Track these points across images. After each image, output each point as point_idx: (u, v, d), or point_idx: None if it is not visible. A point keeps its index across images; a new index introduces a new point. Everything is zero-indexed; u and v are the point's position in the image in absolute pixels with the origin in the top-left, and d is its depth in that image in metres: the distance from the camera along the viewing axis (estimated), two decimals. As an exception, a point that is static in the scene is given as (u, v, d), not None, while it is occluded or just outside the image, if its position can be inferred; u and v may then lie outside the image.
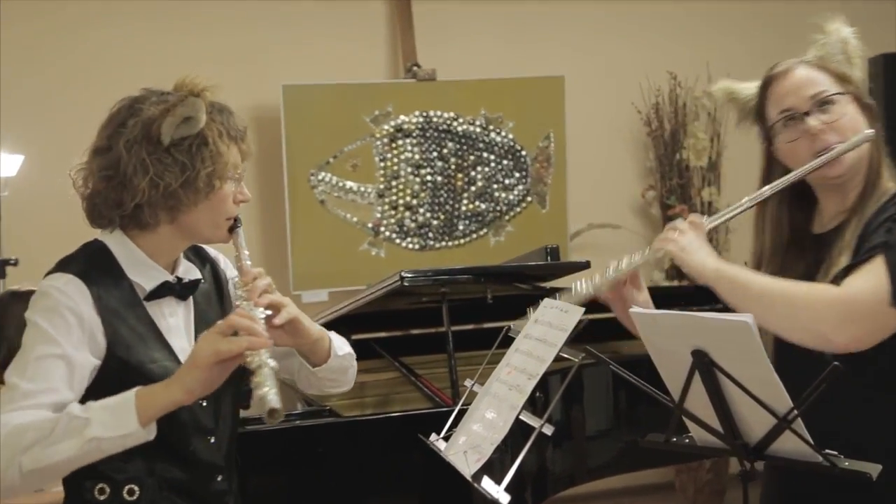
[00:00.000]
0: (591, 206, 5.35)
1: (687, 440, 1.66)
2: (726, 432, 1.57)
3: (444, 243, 5.11)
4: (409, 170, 5.06)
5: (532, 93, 5.16)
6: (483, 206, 5.15)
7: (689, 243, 1.80)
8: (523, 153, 5.21)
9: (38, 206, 4.66)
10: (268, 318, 1.65)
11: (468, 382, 1.99)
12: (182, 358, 1.68)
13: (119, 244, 1.70)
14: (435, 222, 5.09)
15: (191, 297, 1.76)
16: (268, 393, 1.51)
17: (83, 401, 1.59)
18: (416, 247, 5.08)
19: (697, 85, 5.43)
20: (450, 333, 2.85)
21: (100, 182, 1.67)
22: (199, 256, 1.85)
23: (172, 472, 1.69)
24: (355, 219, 5.00)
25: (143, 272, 1.70)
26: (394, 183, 5.04)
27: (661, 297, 3.63)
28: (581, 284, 1.91)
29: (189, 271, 1.78)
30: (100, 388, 1.61)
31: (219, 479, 1.76)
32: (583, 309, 1.75)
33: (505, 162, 5.18)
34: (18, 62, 4.72)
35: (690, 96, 5.43)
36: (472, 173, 5.14)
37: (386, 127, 5.03)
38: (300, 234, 4.86)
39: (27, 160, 4.37)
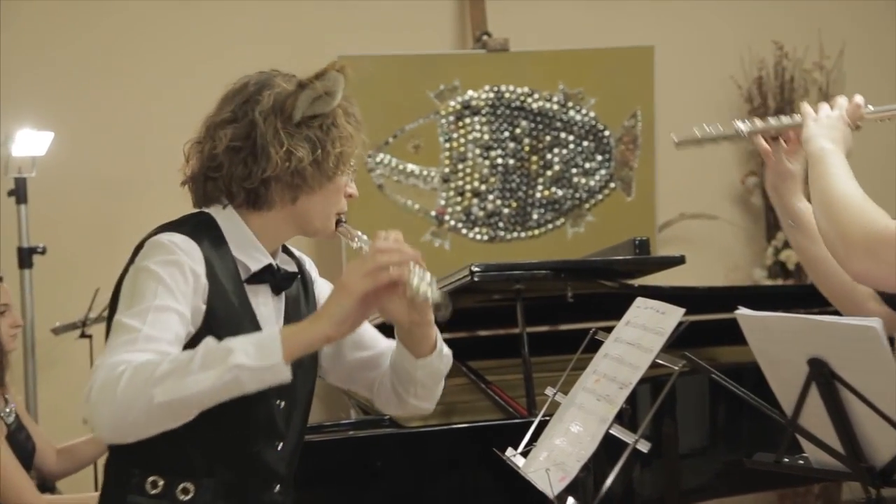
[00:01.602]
0: (682, 193, 5.29)
1: (801, 461, 1.63)
2: (848, 453, 1.54)
3: (515, 234, 5.10)
4: (478, 151, 5.06)
5: (617, 65, 5.11)
6: (560, 192, 5.13)
7: (826, 118, 1.89)
8: (606, 133, 5.17)
9: (69, 189, 4.75)
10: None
11: (549, 391, 1.99)
12: None
13: (229, 220, 1.78)
14: (506, 210, 5.08)
15: (283, 293, 1.84)
16: (428, 287, 1.58)
17: None
18: (485, 238, 5.08)
19: (807, 56, 5.33)
20: (525, 335, 2.86)
21: (226, 154, 1.75)
22: (288, 254, 1.92)
23: (231, 476, 1.73)
24: (417, 206, 5.01)
25: (249, 253, 1.77)
26: (460, 166, 5.05)
27: (767, 298, 3.60)
28: (715, 127, 1.97)
29: (286, 263, 1.86)
30: None
31: (276, 489, 1.80)
32: (682, 310, 1.73)
33: (585, 143, 5.14)
34: (46, 32, 4.81)
35: (799, 69, 5.33)
36: (549, 156, 5.11)
37: (452, 103, 5.03)
38: (356, 221, 4.83)
39: (57, 137, 4.46)
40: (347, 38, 5.01)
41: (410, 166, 5.01)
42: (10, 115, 4.54)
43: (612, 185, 5.19)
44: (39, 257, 4.37)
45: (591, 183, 5.17)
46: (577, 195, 5.15)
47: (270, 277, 1.79)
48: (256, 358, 1.53)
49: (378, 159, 4.96)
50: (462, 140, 5.05)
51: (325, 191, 1.78)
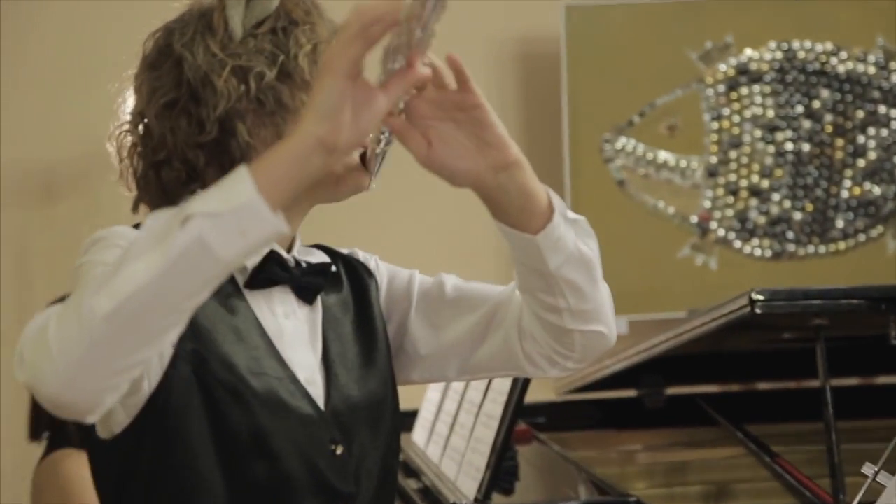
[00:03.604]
0: None
1: None
2: None
3: (812, 248, 5.00)
4: (759, 134, 4.98)
5: (963, 9, 4.95)
6: (878, 190, 4.99)
7: None
8: (946, 107, 5.01)
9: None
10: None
11: (867, 469, 1.92)
12: (303, 375, 1.69)
13: None
14: (798, 215, 4.99)
15: (319, 301, 1.77)
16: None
17: (129, 454, 1.61)
18: (768, 253, 4.99)
19: None
20: (828, 390, 2.79)
21: (160, 120, 1.69)
22: (330, 253, 1.86)
23: None
24: (672, 209, 4.97)
25: None
26: (733, 154, 4.98)
27: None
28: None
29: (311, 254, 1.80)
30: (160, 412, 1.60)
31: None
32: None
33: (915, 121, 5.01)
34: None
35: None
36: (861, 139, 4.99)
37: (723, 67, 4.98)
38: (591, 225, 4.87)
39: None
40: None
41: (663, 155, 4.98)
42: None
43: (954, 180, 5.02)
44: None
45: (924, 177, 5.01)
46: (903, 194, 5.01)
47: (282, 273, 1.71)
48: (220, 201, 1.37)
49: (619, 145, 4.95)
50: (736, 118, 4.99)
51: None
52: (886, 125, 4.98)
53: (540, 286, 1.67)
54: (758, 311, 2.73)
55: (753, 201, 4.98)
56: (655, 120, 4.97)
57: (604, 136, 4.93)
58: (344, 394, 1.72)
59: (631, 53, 4.93)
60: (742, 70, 4.97)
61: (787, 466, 3.00)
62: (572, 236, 1.65)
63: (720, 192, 4.98)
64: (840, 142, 4.98)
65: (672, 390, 3.59)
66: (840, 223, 4.99)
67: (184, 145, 1.68)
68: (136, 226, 1.66)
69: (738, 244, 4.98)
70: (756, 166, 4.98)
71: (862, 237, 5.00)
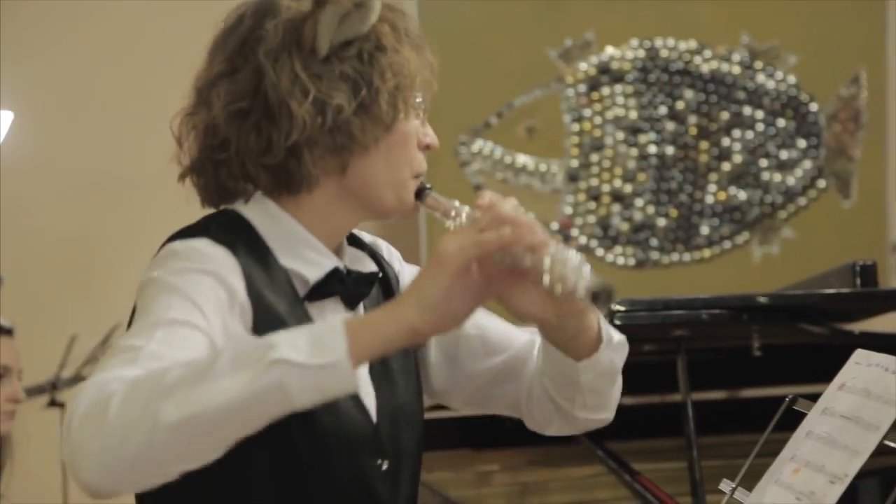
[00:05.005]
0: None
1: None
2: None
3: (676, 256, 5.09)
4: (621, 136, 5.06)
5: (830, 7, 5.07)
6: (743, 195, 5.10)
7: None
8: (813, 108, 5.13)
9: (34, 194, 4.83)
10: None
11: (725, 486, 1.98)
12: (361, 389, 1.75)
13: (263, 215, 1.78)
14: (662, 222, 5.07)
15: (360, 304, 1.83)
16: (574, 272, 1.50)
17: (182, 478, 1.61)
18: (632, 261, 5.07)
19: None
20: (689, 404, 2.85)
21: (229, 123, 1.74)
22: (356, 244, 1.92)
23: None
24: (532, 215, 4.99)
25: (303, 256, 1.78)
26: (595, 158, 5.05)
27: None
28: None
29: (358, 260, 1.87)
30: None
31: None
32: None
33: (781, 122, 5.11)
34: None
35: None
36: (726, 142, 5.10)
37: (583, 66, 5.04)
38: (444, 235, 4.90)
39: (18, 121, 4.55)
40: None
41: (522, 158, 5.03)
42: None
43: (822, 183, 5.14)
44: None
45: (790, 181, 5.12)
46: (769, 199, 5.11)
47: (339, 286, 1.79)
48: (309, 353, 1.48)
49: (475, 148, 4.99)
50: (598, 119, 5.06)
51: (387, 146, 1.76)
52: (752, 127, 5.09)
53: (562, 385, 1.80)
54: (617, 322, 2.75)
55: (616, 207, 5.06)
56: (513, 121, 5.02)
57: (459, 138, 4.97)
58: (390, 405, 1.81)
59: (487, 51, 4.97)
60: (603, 69, 5.04)
61: (647, 484, 3.01)
62: (608, 358, 1.78)
63: (581, 197, 5.05)
64: (705, 144, 5.08)
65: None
66: (705, 230, 5.09)
67: (246, 158, 1.74)
68: (201, 225, 1.75)
69: (600, 252, 5.05)
70: (618, 170, 5.06)
71: (727, 244, 5.10)
